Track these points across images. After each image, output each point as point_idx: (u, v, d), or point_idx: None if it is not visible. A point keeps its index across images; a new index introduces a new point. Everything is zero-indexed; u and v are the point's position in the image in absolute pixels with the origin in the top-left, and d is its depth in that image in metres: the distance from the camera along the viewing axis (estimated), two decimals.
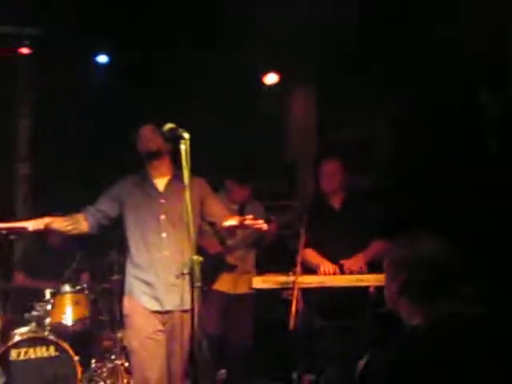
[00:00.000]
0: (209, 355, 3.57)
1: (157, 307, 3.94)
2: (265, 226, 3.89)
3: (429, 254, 2.00)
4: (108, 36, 6.66)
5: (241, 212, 5.24)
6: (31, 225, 3.84)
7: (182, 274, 3.32)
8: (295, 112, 7.37)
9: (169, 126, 3.47)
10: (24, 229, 3.82)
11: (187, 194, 3.30)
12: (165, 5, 5.87)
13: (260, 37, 5.64)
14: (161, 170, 4.06)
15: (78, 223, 4.01)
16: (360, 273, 4.56)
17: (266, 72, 6.93)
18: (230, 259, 5.35)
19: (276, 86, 7.01)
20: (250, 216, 3.94)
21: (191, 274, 3.24)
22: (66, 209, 5.64)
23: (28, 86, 7.03)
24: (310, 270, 4.72)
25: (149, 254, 3.96)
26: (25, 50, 6.71)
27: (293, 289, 4.29)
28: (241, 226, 3.92)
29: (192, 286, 3.26)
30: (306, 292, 4.53)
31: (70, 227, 3.99)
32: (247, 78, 6.66)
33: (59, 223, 3.95)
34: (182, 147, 3.33)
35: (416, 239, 2.06)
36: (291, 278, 4.41)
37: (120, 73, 6.86)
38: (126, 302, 4.09)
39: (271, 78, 6.98)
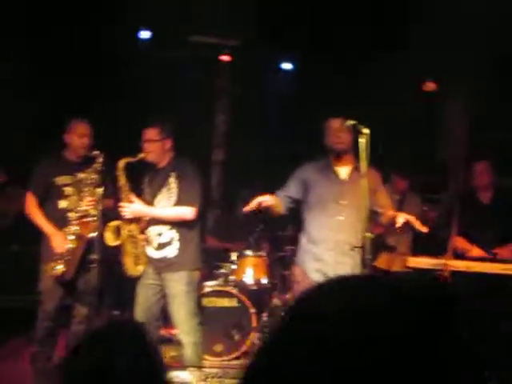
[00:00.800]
0: None
1: (321, 279, 3.95)
2: (422, 229, 3.83)
3: None
4: (293, 48, 6.81)
5: (401, 202, 5.19)
6: (268, 200, 3.83)
7: (355, 247, 3.31)
8: (449, 114, 7.09)
9: (350, 122, 3.49)
10: (262, 204, 3.81)
11: (365, 183, 3.30)
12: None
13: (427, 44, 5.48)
14: (344, 160, 4.01)
15: (279, 206, 4.06)
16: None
17: (424, 79, 6.71)
18: (390, 241, 5.29)
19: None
20: (412, 217, 3.86)
21: (363, 247, 3.25)
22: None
23: (226, 87, 7.30)
24: (459, 256, 4.58)
25: (325, 233, 3.94)
26: (225, 58, 7.00)
27: (443, 270, 4.20)
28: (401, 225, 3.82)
29: (363, 259, 3.26)
30: (454, 274, 4.40)
31: (277, 208, 4.03)
32: (405, 80, 6.40)
33: (274, 202, 3.93)
34: (362, 141, 3.33)
35: None
36: (442, 261, 4.32)
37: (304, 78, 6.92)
38: (296, 270, 4.17)
39: (429, 86, 6.77)
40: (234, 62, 6.99)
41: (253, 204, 3.77)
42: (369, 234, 3.28)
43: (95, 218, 4.15)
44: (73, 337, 4.63)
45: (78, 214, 4.28)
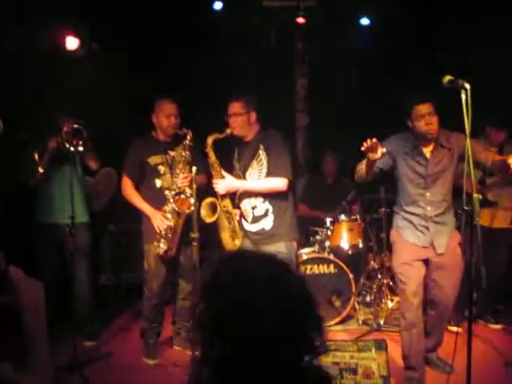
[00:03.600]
0: (484, 281, 3.41)
1: (416, 241, 4.00)
2: None
3: None
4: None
5: (500, 152, 4.89)
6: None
7: (464, 209, 3.13)
8: None
9: (448, 77, 3.26)
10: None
11: (468, 142, 3.11)
12: None
13: None
14: (429, 141, 3.96)
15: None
16: None
17: None
18: (490, 196, 5.02)
19: None
20: None
21: (472, 210, 3.07)
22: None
23: (304, 50, 7.11)
24: None
25: (413, 207, 4.01)
26: (301, 20, 6.79)
27: None
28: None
29: (472, 220, 3.09)
30: None
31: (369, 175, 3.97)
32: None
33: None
34: (463, 97, 3.11)
35: None
36: None
37: (383, 34, 6.62)
38: (394, 232, 4.17)
39: None
40: (309, 23, 6.75)
41: (371, 144, 3.62)
42: (476, 195, 3.08)
43: (191, 194, 4.16)
44: (179, 313, 4.74)
45: (173, 192, 4.31)
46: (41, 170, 4.61)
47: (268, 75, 6.62)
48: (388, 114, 4.70)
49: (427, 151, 3.99)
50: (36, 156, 4.61)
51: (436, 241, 3.96)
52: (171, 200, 4.30)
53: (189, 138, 4.35)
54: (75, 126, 4.36)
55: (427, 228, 3.97)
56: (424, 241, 3.98)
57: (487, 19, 5.53)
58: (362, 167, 3.96)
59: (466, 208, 3.10)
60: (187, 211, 4.23)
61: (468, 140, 3.12)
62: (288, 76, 7.21)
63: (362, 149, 3.63)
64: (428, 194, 3.97)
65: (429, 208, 3.97)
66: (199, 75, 6.36)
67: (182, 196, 4.29)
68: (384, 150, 3.67)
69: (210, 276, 1.37)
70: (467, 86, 3.11)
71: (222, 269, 1.37)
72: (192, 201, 4.10)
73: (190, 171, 4.17)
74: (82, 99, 5.14)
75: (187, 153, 4.37)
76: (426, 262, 4.00)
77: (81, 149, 4.39)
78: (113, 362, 4.54)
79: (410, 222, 4.04)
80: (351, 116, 6.59)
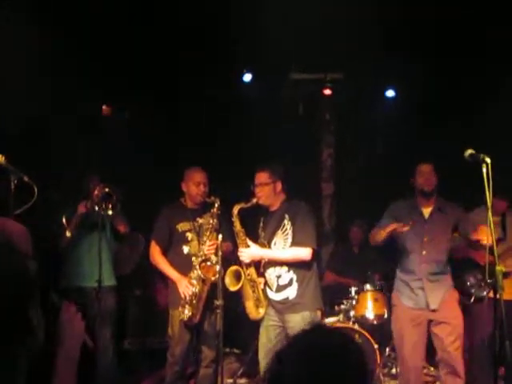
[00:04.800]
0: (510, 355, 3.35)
1: (412, 304, 4.32)
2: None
3: None
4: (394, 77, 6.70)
5: (503, 221, 4.98)
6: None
7: (486, 283, 3.14)
8: None
9: (469, 151, 3.36)
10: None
11: (489, 214, 3.16)
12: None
13: None
14: (429, 202, 4.37)
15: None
16: None
17: None
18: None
19: None
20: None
21: (495, 282, 3.08)
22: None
23: (330, 121, 7.28)
24: None
25: (412, 266, 4.34)
26: (327, 91, 7.00)
27: None
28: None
29: (495, 293, 3.09)
30: None
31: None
32: None
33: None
34: (484, 170, 3.19)
35: None
36: None
37: (407, 107, 6.77)
38: (393, 295, 4.52)
39: None
40: (336, 94, 6.95)
41: (390, 229, 4.13)
42: (499, 268, 3.09)
43: (216, 262, 4.22)
44: (201, 381, 4.71)
45: (200, 259, 4.39)
46: (68, 234, 4.74)
47: (296, 145, 6.78)
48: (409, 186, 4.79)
49: (426, 212, 4.35)
50: (64, 220, 4.75)
51: (429, 298, 4.22)
52: (197, 267, 4.37)
53: (216, 205, 4.46)
54: (106, 189, 4.50)
55: (422, 289, 4.24)
56: (420, 303, 4.26)
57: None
58: (380, 233, 4.25)
59: (488, 281, 3.10)
60: (212, 278, 4.29)
61: (489, 213, 3.16)
62: (315, 146, 7.37)
63: (392, 229, 4.08)
64: (424, 253, 4.27)
65: (424, 266, 4.25)
66: (228, 145, 6.56)
67: (208, 263, 4.37)
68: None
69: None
70: (488, 160, 3.19)
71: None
72: (217, 268, 4.17)
73: (217, 239, 4.25)
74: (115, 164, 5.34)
75: (215, 220, 4.46)
76: (428, 324, 4.26)
77: (110, 213, 4.52)
78: None
79: (407, 284, 4.33)
80: (376, 186, 6.66)
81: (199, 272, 4.35)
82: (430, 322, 4.28)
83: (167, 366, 4.60)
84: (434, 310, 4.23)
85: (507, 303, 4.81)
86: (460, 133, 5.80)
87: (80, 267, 4.84)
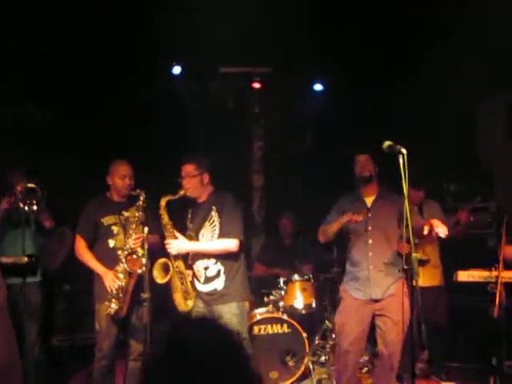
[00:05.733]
0: (426, 338, 3.48)
1: (360, 296, 4.30)
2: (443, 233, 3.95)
3: None
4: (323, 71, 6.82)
5: (420, 210, 5.22)
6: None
7: (403, 269, 3.26)
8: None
9: (387, 143, 3.46)
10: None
11: (406, 203, 3.27)
12: None
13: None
14: (369, 190, 4.40)
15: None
16: None
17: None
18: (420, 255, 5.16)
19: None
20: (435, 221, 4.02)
21: (410, 269, 3.21)
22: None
23: (260, 114, 7.34)
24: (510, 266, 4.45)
25: (359, 256, 4.33)
26: (256, 85, 7.05)
27: (496, 283, 4.09)
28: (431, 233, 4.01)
29: (411, 280, 3.22)
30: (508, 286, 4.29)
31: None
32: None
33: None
34: (401, 161, 3.30)
35: None
36: (494, 273, 4.20)
37: (334, 99, 6.91)
38: (341, 289, 4.50)
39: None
40: (265, 87, 7.02)
41: (344, 220, 4.15)
42: (415, 255, 3.22)
43: (143, 255, 4.19)
44: (130, 374, 4.68)
45: (126, 252, 4.35)
46: None
47: (225, 138, 6.80)
48: (341, 177, 4.94)
49: (368, 201, 4.37)
50: None
51: (373, 287, 4.23)
52: (123, 260, 4.33)
53: (142, 198, 4.41)
54: (29, 185, 4.39)
55: (368, 279, 4.24)
56: (367, 294, 4.25)
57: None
58: (331, 228, 4.30)
59: (405, 267, 3.21)
60: (139, 271, 4.25)
61: (406, 201, 3.28)
62: (245, 138, 7.41)
63: (347, 219, 4.10)
64: (370, 241, 4.26)
65: (370, 255, 4.25)
66: (156, 138, 6.50)
67: (134, 256, 4.33)
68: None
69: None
70: (404, 151, 3.30)
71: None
72: (144, 261, 4.13)
73: (143, 232, 4.22)
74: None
75: (140, 213, 4.42)
76: (373, 316, 4.27)
77: (35, 208, 4.41)
78: None
79: (354, 275, 4.34)
80: (305, 177, 6.78)
81: (125, 265, 4.31)
82: (374, 313, 4.27)
83: (95, 360, 4.53)
84: (376, 301, 4.22)
85: (424, 290, 5.09)
86: (385, 126, 5.96)
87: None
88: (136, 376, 4.61)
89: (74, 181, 5.69)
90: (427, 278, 5.19)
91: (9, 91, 5.55)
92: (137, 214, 4.43)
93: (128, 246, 4.37)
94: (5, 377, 1.47)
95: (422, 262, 5.10)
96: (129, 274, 4.35)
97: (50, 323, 6.01)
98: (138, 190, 4.46)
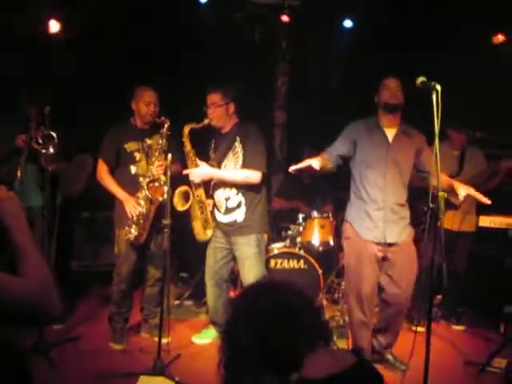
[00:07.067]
0: (446, 281, 3.43)
1: (371, 237, 3.97)
2: (485, 202, 3.77)
3: None
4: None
5: (461, 157, 5.07)
6: (316, 163, 3.74)
7: (429, 209, 3.17)
8: None
9: (421, 78, 3.33)
10: (311, 167, 3.70)
11: (436, 142, 3.16)
12: None
13: None
14: (393, 121, 3.99)
15: (328, 164, 4.01)
16: None
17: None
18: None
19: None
20: (473, 191, 3.83)
21: (436, 208, 3.14)
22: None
23: (286, 49, 7.15)
24: None
25: (373, 192, 3.95)
26: (285, 18, 6.83)
27: None
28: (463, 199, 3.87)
29: (437, 219, 3.16)
30: None
31: (327, 166, 3.96)
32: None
33: (322, 162, 3.85)
34: (434, 98, 3.18)
35: None
36: None
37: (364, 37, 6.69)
38: (347, 225, 4.12)
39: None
40: (294, 21, 6.80)
41: (301, 165, 3.73)
42: (442, 194, 3.15)
43: (165, 182, 4.17)
44: (147, 299, 4.76)
45: (148, 179, 4.33)
46: None
47: (249, 71, 6.66)
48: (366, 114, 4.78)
49: (389, 134, 3.98)
50: None
51: (387, 230, 3.94)
52: (145, 187, 4.32)
53: (166, 126, 4.36)
54: (50, 132, 4.29)
55: (383, 220, 3.93)
56: (378, 235, 3.95)
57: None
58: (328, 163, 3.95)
59: (431, 205, 3.15)
60: (160, 199, 4.24)
61: (436, 140, 3.18)
62: (269, 73, 7.25)
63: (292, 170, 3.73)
64: (387, 181, 3.92)
65: (387, 197, 3.92)
66: (182, 67, 6.39)
67: (156, 184, 4.31)
68: (314, 162, 3.71)
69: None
70: (438, 87, 3.18)
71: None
72: (166, 189, 4.11)
73: (166, 160, 4.19)
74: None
75: (164, 141, 4.38)
76: (381, 258, 4.01)
77: (51, 151, 4.33)
78: (80, 345, 4.52)
79: (367, 214, 3.97)
80: (330, 116, 6.65)
81: (147, 192, 4.30)
82: (383, 258, 4.00)
83: (113, 284, 4.61)
84: (390, 245, 3.95)
85: (447, 232, 5.01)
86: (418, 63, 5.78)
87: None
88: (153, 301, 4.69)
89: (96, 105, 5.61)
90: (457, 223, 5.07)
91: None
92: (160, 142, 4.39)
93: (150, 173, 4.35)
94: (49, 288, 1.47)
95: (453, 207, 4.97)
96: (150, 201, 4.35)
97: (69, 249, 6.09)
98: (163, 118, 4.40)
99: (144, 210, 4.36)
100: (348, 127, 4.09)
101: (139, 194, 4.37)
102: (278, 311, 1.54)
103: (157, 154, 4.39)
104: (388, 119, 3.98)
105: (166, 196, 4.09)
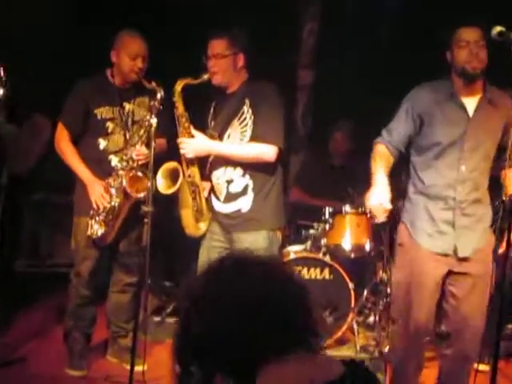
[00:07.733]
0: None
1: (433, 247, 3.83)
2: None
3: None
4: None
5: None
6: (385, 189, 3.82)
7: (502, 201, 3.16)
8: None
9: (498, 29, 3.34)
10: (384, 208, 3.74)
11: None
12: None
13: None
14: (473, 88, 3.80)
15: (390, 160, 3.99)
16: None
17: None
18: None
19: None
20: None
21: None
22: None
23: None
24: None
25: (441, 187, 3.82)
26: None
27: None
28: None
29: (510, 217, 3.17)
30: None
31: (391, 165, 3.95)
32: None
33: (386, 169, 3.91)
34: None
35: None
36: None
37: None
38: (402, 230, 4.01)
39: None
40: None
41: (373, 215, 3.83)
42: None
43: (146, 174, 4.14)
44: (112, 310, 4.77)
45: (125, 163, 4.35)
46: None
47: (266, 13, 6.69)
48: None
49: (469, 104, 3.80)
50: None
51: (460, 240, 3.77)
52: (122, 173, 4.33)
53: (159, 97, 4.21)
54: None
55: (452, 224, 3.77)
56: (445, 246, 3.80)
57: None
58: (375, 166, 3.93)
59: (504, 199, 3.15)
60: (139, 195, 4.22)
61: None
62: (293, 17, 7.27)
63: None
64: (463, 168, 3.75)
65: (460, 189, 3.76)
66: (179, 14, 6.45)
67: (135, 173, 4.31)
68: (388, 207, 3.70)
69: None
70: None
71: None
72: (146, 182, 4.09)
73: (151, 148, 4.03)
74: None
75: (154, 119, 4.09)
76: (444, 276, 3.84)
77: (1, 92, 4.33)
78: (25, 370, 4.55)
79: (430, 214, 3.82)
80: (373, 80, 6.68)
81: (124, 181, 4.29)
82: (449, 274, 3.81)
83: (70, 288, 4.63)
84: (463, 259, 3.76)
85: None
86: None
87: None
88: (121, 314, 4.72)
89: (60, 52, 5.66)
90: None
91: None
92: (148, 118, 4.22)
93: (129, 157, 4.36)
94: None
95: None
96: (124, 194, 4.34)
97: (13, 243, 6.12)
98: (155, 84, 4.29)
99: (115, 204, 4.37)
100: (410, 96, 3.93)
101: (111, 181, 4.40)
102: (239, 300, 1.58)
103: (142, 132, 4.38)
104: (466, 87, 3.81)
105: (145, 191, 4.06)
